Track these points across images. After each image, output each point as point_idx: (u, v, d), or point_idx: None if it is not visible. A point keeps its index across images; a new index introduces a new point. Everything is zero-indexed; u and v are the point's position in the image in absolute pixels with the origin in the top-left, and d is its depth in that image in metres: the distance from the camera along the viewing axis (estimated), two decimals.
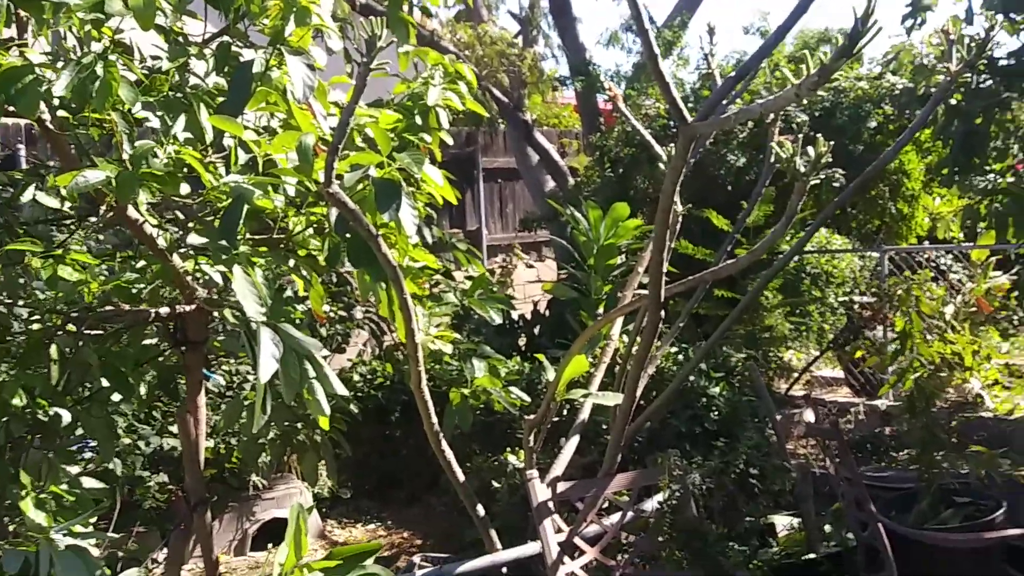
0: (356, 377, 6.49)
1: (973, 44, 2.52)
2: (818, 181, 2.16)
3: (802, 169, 2.13)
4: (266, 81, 2.52)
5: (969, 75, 6.61)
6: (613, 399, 2.85)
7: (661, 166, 8.12)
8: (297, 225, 2.31)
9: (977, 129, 6.73)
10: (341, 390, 2.04)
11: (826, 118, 7.20)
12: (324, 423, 2.21)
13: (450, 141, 3.25)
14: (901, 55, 7.57)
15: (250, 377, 5.50)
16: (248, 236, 2.30)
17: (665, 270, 2.42)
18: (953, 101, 6.85)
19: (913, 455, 5.48)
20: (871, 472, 5.06)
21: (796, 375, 7.92)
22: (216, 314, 2.67)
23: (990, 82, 6.57)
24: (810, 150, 2.14)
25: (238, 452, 5.21)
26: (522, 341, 7.64)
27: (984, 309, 7.21)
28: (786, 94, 1.65)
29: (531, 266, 11.31)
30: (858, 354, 6.64)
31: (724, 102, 3.21)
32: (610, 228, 5.22)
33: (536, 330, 7.80)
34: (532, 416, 2.94)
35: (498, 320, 3.72)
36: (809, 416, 4.71)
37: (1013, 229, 6.83)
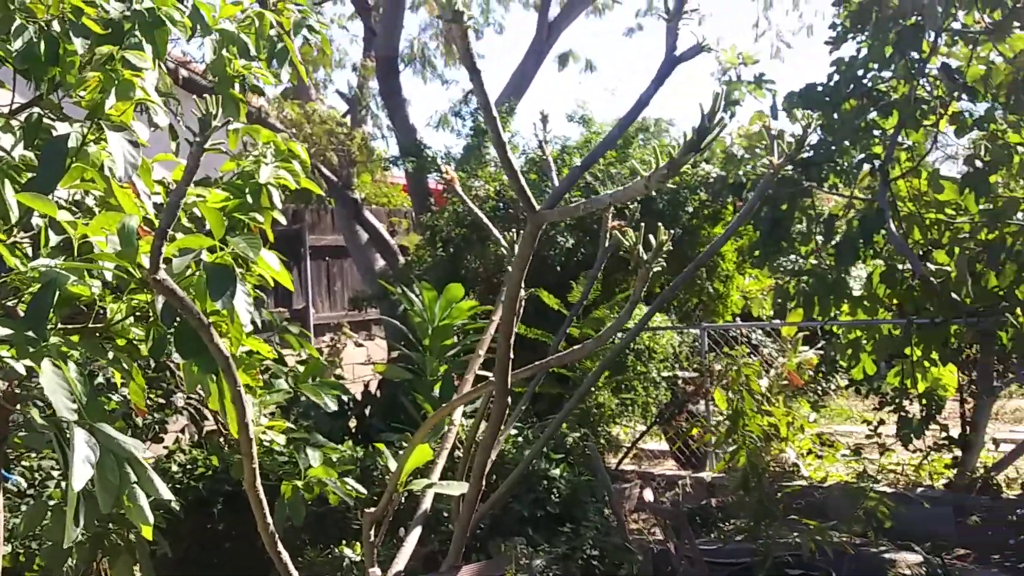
0: (175, 468, 6.06)
1: (792, 138, 2.69)
2: (660, 268, 2.20)
3: (644, 256, 2.16)
4: (82, 157, 2.34)
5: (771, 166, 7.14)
6: (458, 488, 2.76)
7: (494, 247, 8.18)
8: (117, 313, 2.12)
9: (783, 215, 7.23)
10: (167, 494, 1.85)
11: (647, 203, 7.53)
12: (147, 532, 2.00)
13: (283, 221, 3.13)
14: (714, 146, 8.08)
15: (54, 473, 5.02)
16: (59, 325, 2.08)
17: (511, 356, 2.38)
18: None
19: (742, 526, 5.66)
20: (704, 546, 5.17)
21: (625, 450, 8.07)
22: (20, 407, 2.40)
23: (793, 172, 7.10)
24: (651, 238, 2.18)
25: (40, 559, 4.70)
26: (353, 423, 7.41)
27: (795, 382, 7.64)
28: (636, 186, 1.67)
29: (360, 345, 11.08)
30: (694, 431, 6.85)
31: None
32: (445, 309, 5.18)
33: (367, 411, 7.60)
34: (371, 509, 2.80)
35: (333, 407, 3.57)
36: (648, 495, 4.78)
37: (818, 307, 7.33)
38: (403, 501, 3.53)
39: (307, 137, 8.95)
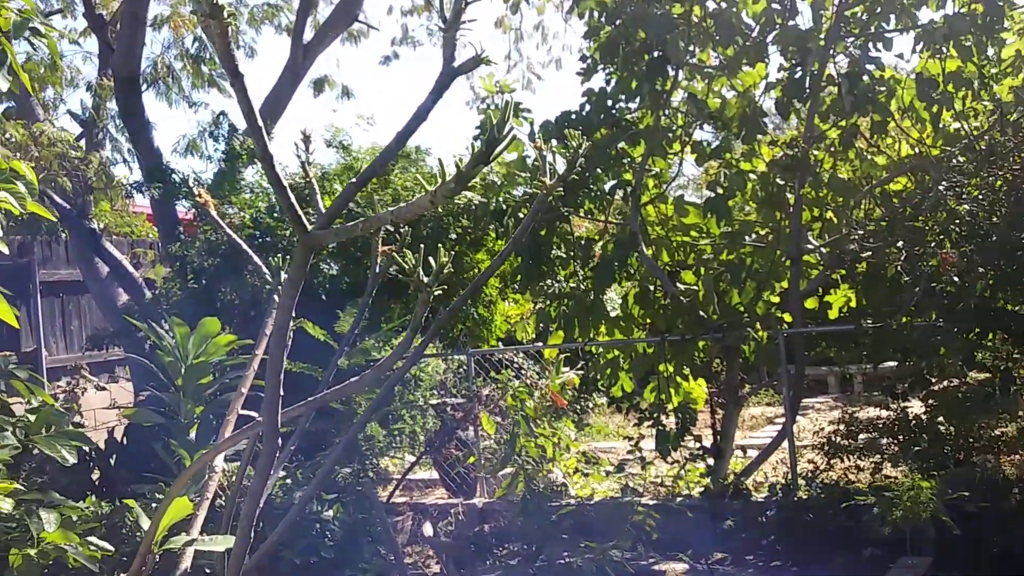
0: None
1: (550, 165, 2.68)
2: (441, 292, 2.09)
3: (425, 280, 2.04)
4: None
5: (544, 187, 7.30)
6: (223, 543, 2.50)
7: (251, 278, 7.77)
8: None
9: (543, 240, 7.42)
10: None
11: (412, 229, 7.44)
12: None
13: (5, 251, 2.73)
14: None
15: None
16: None
17: (281, 393, 2.18)
18: (521, 215, 7.51)
19: (518, 551, 5.67)
20: (483, 574, 5.11)
21: (396, 482, 7.89)
22: None
23: (549, 199, 7.28)
24: (432, 260, 2.06)
25: None
26: (96, 475, 6.72)
27: (559, 403, 7.81)
28: (420, 201, 1.55)
29: (103, 388, 10.14)
30: (471, 460, 6.79)
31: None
32: (199, 345, 4.79)
33: (112, 461, 6.92)
34: (123, 575, 2.47)
35: (72, 460, 3.16)
36: (428, 529, 4.63)
37: (578, 329, 7.57)
38: (159, 560, 3.18)
39: (35, 161, 8.09)
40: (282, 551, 4.00)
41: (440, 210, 7.41)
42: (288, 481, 4.64)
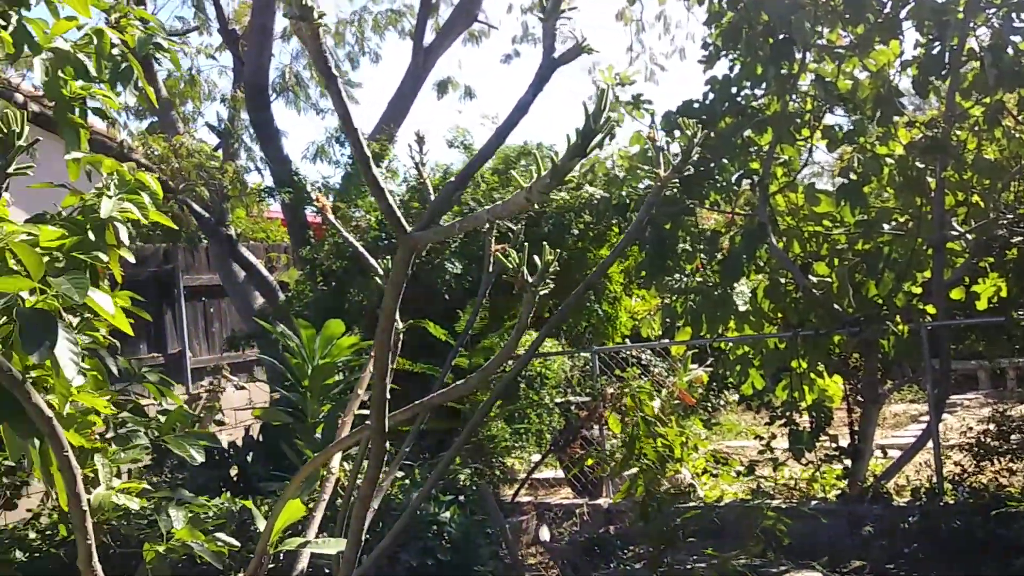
0: (33, 535, 5.57)
1: (674, 156, 2.56)
2: (547, 291, 2.02)
3: (529, 279, 1.97)
4: None
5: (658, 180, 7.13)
6: (335, 546, 2.50)
7: (377, 279, 7.94)
8: None
9: (667, 234, 7.23)
10: None
11: (531, 228, 7.41)
12: None
13: (131, 259, 2.81)
14: (596, 168, 8.04)
15: None
16: None
17: (388, 396, 2.15)
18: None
19: (642, 554, 5.53)
20: None
21: (520, 481, 7.88)
22: None
23: (674, 191, 7.11)
24: (537, 259, 1.99)
25: None
26: (234, 472, 6.97)
27: (687, 401, 7.61)
28: (516, 199, 1.48)
29: (242, 388, 10.56)
30: (589, 462, 6.71)
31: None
32: (324, 347, 4.89)
33: (249, 458, 7.17)
34: (241, 574, 2.51)
35: (200, 459, 3.24)
36: (544, 534, 4.56)
37: (706, 324, 7.34)
38: (281, 560, 3.23)
39: (175, 172, 8.48)
40: (399, 553, 4.02)
41: (559, 206, 7.35)
42: (407, 482, 4.66)
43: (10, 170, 1.51)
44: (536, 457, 8.20)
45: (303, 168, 8.69)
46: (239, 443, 7.24)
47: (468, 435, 2.72)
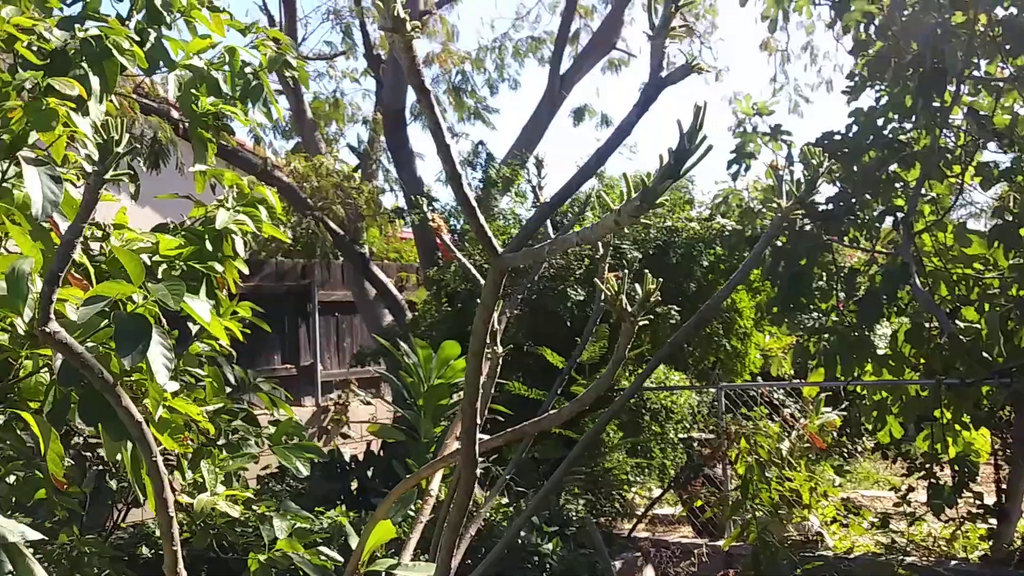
0: (158, 532, 5.78)
1: (802, 182, 2.40)
2: (647, 321, 1.91)
3: (628, 308, 1.87)
4: (3, 195, 2.10)
5: (792, 216, 6.85)
6: (425, 571, 2.46)
7: (502, 301, 7.94)
8: (23, 370, 1.86)
9: (802, 270, 6.91)
10: None
11: (660, 256, 7.25)
12: None
13: (245, 271, 2.88)
14: (730, 199, 7.82)
15: None
16: None
17: (479, 421, 2.09)
18: (779, 243, 7.07)
19: None
20: None
21: (638, 516, 7.67)
22: None
23: (811, 226, 6.82)
24: (638, 287, 1.89)
25: None
26: (355, 484, 7.08)
27: (818, 445, 7.25)
28: (605, 222, 1.39)
29: (368, 403, 10.78)
30: (698, 504, 6.47)
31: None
32: (440, 367, 4.89)
33: (369, 472, 7.27)
34: None
35: (305, 471, 3.28)
36: (650, 574, 4.39)
37: (841, 366, 6.97)
38: None
39: (314, 191, 8.78)
40: None
41: (690, 236, 7.16)
42: (511, 509, 4.58)
43: (107, 176, 1.54)
44: (657, 492, 7.99)
45: (436, 190, 8.86)
46: (360, 457, 7.36)
47: (568, 466, 2.63)
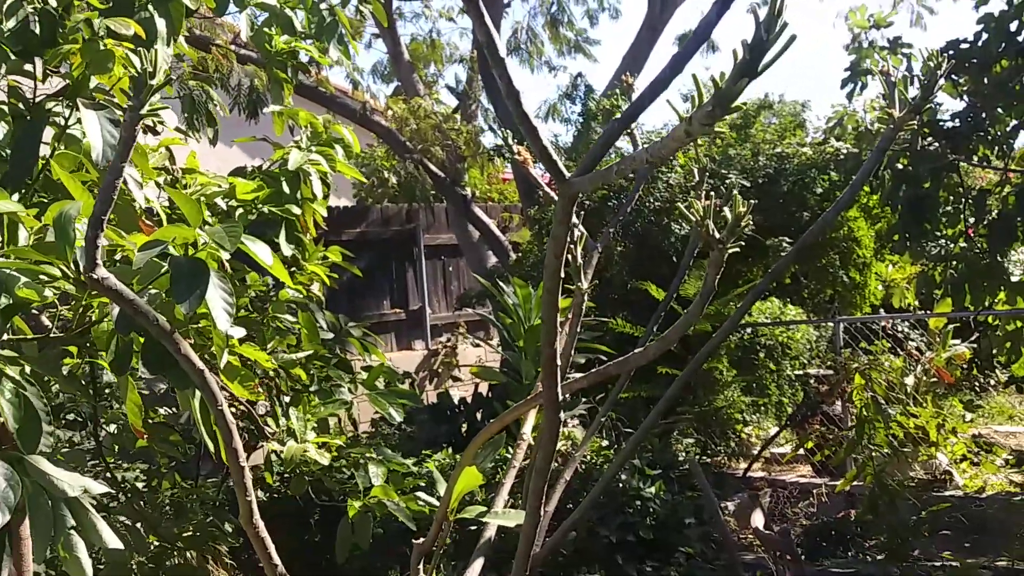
0: (271, 477, 5.93)
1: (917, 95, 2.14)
2: (738, 248, 1.73)
3: (716, 235, 1.69)
4: (70, 141, 2.06)
5: (911, 137, 6.36)
6: (515, 518, 2.36)
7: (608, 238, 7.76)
8: (93, 314, 1.82)
9: (926, 194, 6.45)
10: (113, 542, 1.53)
11: (769, 186, 6.89)
12: None
13: (323, 212, 2.80)
14: (844, 120, 7.35)
15: None
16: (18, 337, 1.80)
17: (560, 363, 1.96)
18: (899, 166, 6.61)
19: (882, 546, 5.00)
20: (837, 568, 4.57)
21: (754, 455, 7.44)
22: None
23: (935, 145, 6.34)
24: (727, 211, 1.70)
25: None
26: (464, 427, 7.10)
27: (945, 379, 6.85)
28: (676, 133, 1.22)
29: (478, 345, 10.80)
30: (808, 444, 6.22)
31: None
32: (540, 307, 4.76)
33: (478, 415, 7.28)
34: (420, 540, 2.43)
35: (398, 418, 3.23)
36: (758, 519, 4.20)
37: (970, 296, 6.52)
38: (471, 528, 3.14)
39: (413, 133, 8.71)
40: (597, 528, 3.83)
41: (802, 162, 6.77)
42: (611, 452, 4.45)
43: (143, 111, 1.45)
44: (773, 431, 7.74)
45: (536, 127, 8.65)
46: (469, 400, 7.37)
47: (666, 406, 2.48)
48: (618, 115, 8.42)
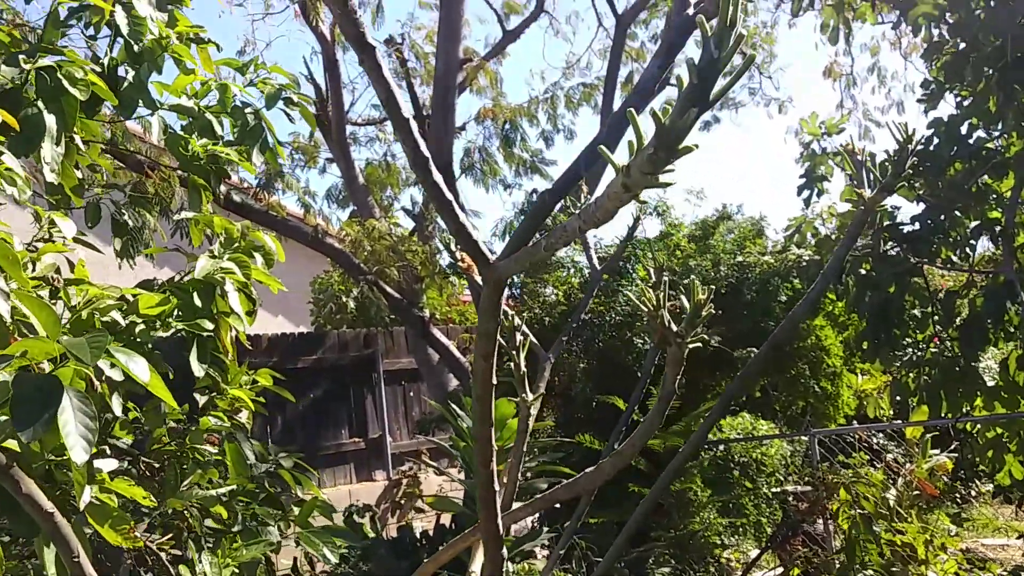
0: None
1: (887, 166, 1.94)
2: (698, 344, 1.46)
3: (674, 327, 1.42)
4: None
5: (873, 241, 6.26)
6: None
7: (567, 356, 7.46)
8: None
9: (891, 298, 6.29)
10: None
11: (733, 296, 6.73)
12: None
13: (240, 327, 2.51)
14: (803, 228, 7.27)
15: None
16: None
17: (506, 487, 1.66)
18: (863, 271, 6.49)
19: None
20: None
21: None
22: None
23: (897, 249, 6.24)
24: (683, 300, 1.44)
25: None
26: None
27: (929, 492, 6.55)
28: (611, 189, 0.97)
29: (442, 473, 10.32)
30: (795, 573, 5.85)
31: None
32: (497, 428, 4.43)
33: (441, 548, 6.79)
34: None
35: (334, 559, 2.85)
36: None
37: (946, 402, 6.29)
38: None
39: (369, 255, 8.52)
40: None
41: (765, 270, 6.62)
42: None
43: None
44: (754, 554, 7.32)
45: (494, 245, 8.52)
46: (431, 532, 6.93)
47: (628, 536, 2.15)
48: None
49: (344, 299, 9.59)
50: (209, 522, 2.72)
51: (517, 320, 2.61)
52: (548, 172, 10.93)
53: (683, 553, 6.46)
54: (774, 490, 7.56)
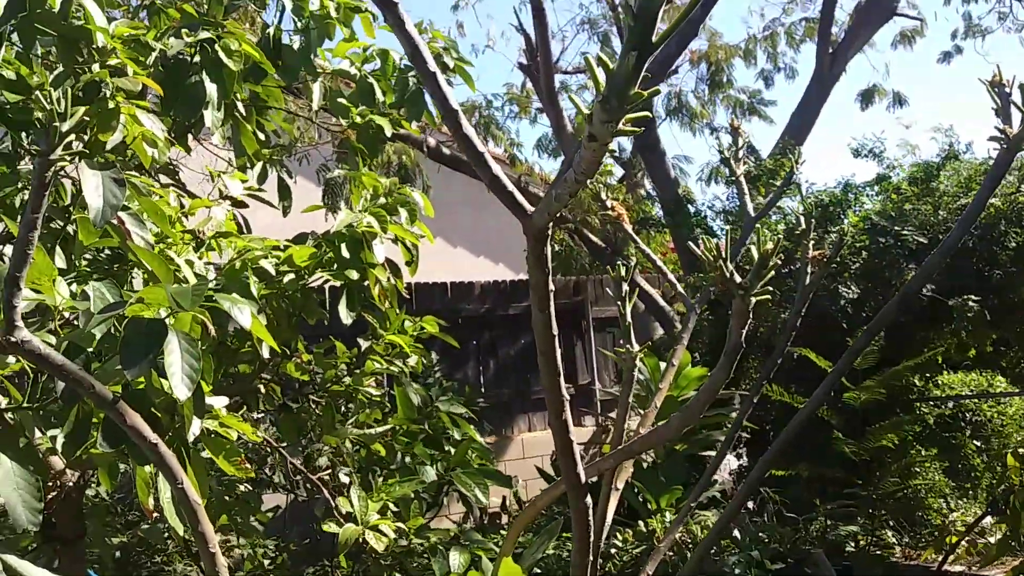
0: (346, 564, 5.77)
1: None
2: (766, 296, 1.39)
3: (736, 278, 1.37)
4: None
5: None
6: None
7: (771, 305, 7.19)
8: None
9: None
10: None
11: (926, 236, 6.17)
12: None
13: (407, 279, 2.67)
14: None
15: None
16: None
17: (575, 440, 1.67)
18: None
19: None
20: None
21: (949, 546, 6.54)
22: None
23: None
24: (753, 250, 1.38)
25: None
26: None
27: None
28: (586, 143, 0.94)
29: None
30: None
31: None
32: (674, 378, 4.40)
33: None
34: None
35: (484, 500, 2.99)
36: None
37: None
38: None
39: (574, 203, 8.58)
40: None
41: (991, 213, 6.01)
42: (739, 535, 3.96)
43: (53, 156, 1.33)
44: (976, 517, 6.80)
45: (698, 191, 8.32)
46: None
47: (748, 490, 2.09)
48: (783, 174, 7.94)
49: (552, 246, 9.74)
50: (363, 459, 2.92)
51: (623, 271, 2.58)
52: (767, 114, 10.46)
53: (882, 511, 6.11)
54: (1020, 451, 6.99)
